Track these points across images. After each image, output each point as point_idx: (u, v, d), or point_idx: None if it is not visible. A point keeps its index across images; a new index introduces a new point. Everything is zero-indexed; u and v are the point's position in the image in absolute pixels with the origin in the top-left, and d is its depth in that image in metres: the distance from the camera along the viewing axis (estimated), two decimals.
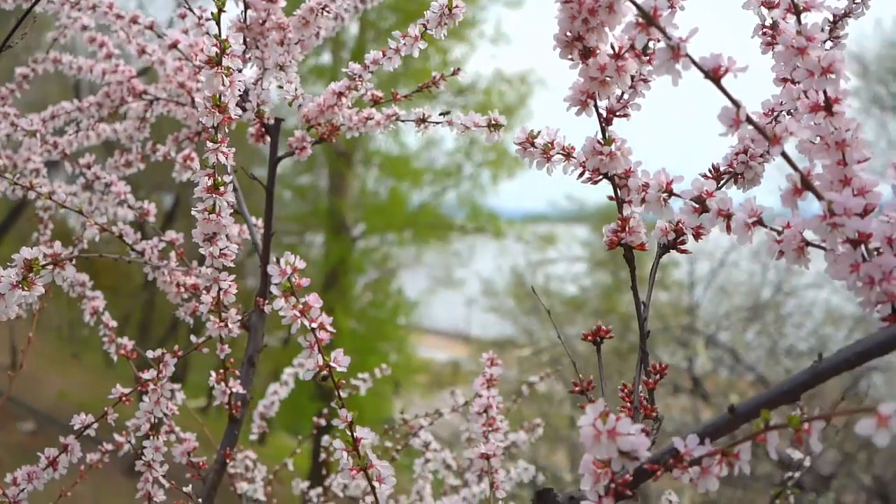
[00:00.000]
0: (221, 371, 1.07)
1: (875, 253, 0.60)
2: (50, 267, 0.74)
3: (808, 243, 0.62)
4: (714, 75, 0.58)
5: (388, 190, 12.07)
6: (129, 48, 1.24)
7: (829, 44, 0.81)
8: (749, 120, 0.58)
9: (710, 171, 0.79)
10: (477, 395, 1.10)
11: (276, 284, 0.70)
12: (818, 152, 0.62)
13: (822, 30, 0.82)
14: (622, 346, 7.64)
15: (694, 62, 0.58)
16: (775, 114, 0.79)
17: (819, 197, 0.59)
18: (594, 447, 0.57)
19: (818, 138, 0.63)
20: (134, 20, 1.17)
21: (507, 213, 11.96)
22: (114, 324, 1.20)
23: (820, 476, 5.72)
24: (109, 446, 1.24)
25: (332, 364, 0.72)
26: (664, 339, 7.60)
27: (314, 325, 0.70)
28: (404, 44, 1.00)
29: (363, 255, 12.09)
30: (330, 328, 0.71)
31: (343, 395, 0.75)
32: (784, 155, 0.59)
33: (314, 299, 0.71)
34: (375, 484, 0.73)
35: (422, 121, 1.05)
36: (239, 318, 1.02)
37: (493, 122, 0.95)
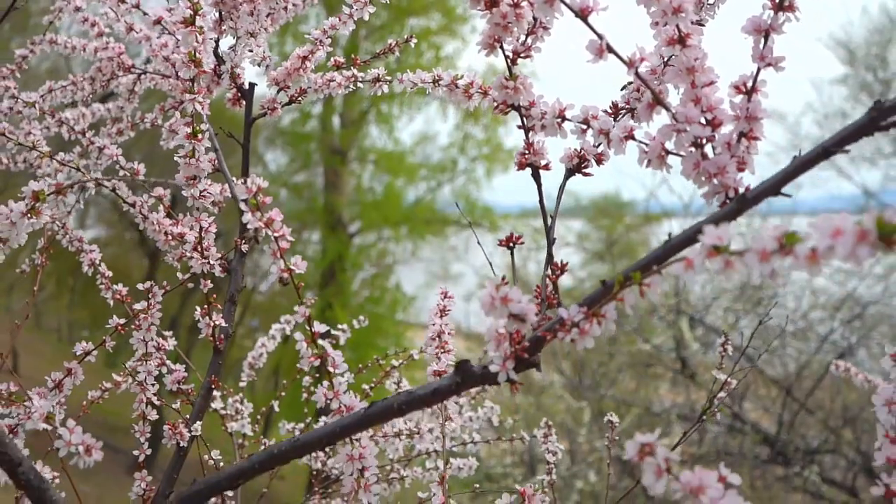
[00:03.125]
0: (206, 306, 1.22)
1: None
2: (54, 195, 0.88)
3: (668, 151, 0.77)
4: (582, 14, 0.72)
5: (383, 186, 12.21)
6: (117, 26, 1.38)
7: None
8: (609, 49, 0.72)
9: (610, 106, 0.93)
10: (431, 323, 1.24)
11: (242, 201, 0.84)
12: (674, 78, 0.76)
13: None
14: (615, 331, 7.77)
15: (565, 3, 0.72)
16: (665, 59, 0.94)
17: (668, 109, 0.73)
18: (490, 311, 0.72)
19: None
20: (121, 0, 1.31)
21: (502, 207, 12.11)
22: (109, 274, 1.34)
23: (805, 451, 5.86)
24: (108, 384, 1.38)
25: (292, 267, 0.86)
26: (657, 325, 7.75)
27: (277, 234, 0.85)
28: (356, 9, 1.16)
29: (360, 251, 12.23)
30: (290, 237, 0.86)
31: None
32: (639, 77, 0.73)
33: (276, 213, 0.85)
34: (331, 369, 0.88)
35: (377, 80, 1.20)
36: (219, 255, 1.17)
37: (436, 78, 1.08)
